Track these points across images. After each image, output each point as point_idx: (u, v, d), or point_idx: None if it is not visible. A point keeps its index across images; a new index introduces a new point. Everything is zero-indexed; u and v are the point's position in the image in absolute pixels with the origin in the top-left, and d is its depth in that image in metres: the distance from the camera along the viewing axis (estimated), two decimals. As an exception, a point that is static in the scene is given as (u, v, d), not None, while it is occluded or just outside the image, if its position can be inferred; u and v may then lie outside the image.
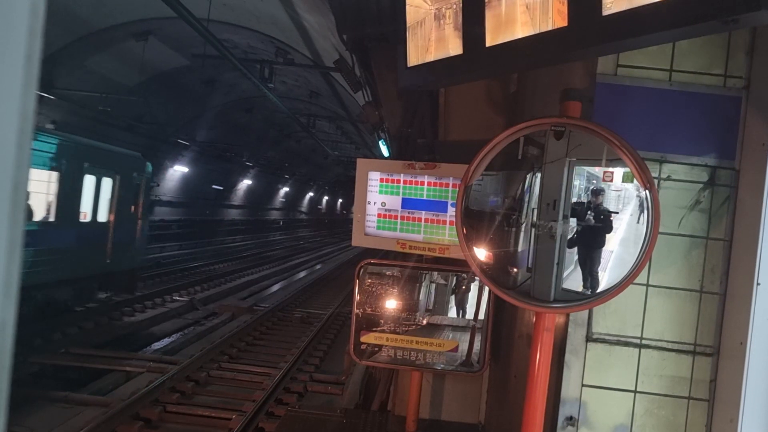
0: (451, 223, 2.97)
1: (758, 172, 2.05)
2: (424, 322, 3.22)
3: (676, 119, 2.25)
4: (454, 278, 3.26)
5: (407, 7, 2.41)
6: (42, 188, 10.75)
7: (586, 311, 2.29)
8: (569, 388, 2.31)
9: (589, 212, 1.99)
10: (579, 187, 2.01)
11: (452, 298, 3.28)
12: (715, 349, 2.26)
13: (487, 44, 1.94)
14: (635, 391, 2.30)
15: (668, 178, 2.25)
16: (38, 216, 10.78)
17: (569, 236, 1.99)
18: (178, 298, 14.64)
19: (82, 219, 12.00)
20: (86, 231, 12.22)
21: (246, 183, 33.72)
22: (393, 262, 3.38)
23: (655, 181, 2.20)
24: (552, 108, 2.13)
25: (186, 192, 26.29)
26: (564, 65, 2.42)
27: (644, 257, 1.82)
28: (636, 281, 1.91)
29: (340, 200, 65.35)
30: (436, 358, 3.17)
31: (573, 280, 2.04)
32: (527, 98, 3.12)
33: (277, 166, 34.54)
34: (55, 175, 10.86)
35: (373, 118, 5.37)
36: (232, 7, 13.14)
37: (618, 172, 1.97)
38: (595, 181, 2.02)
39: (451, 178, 2.97)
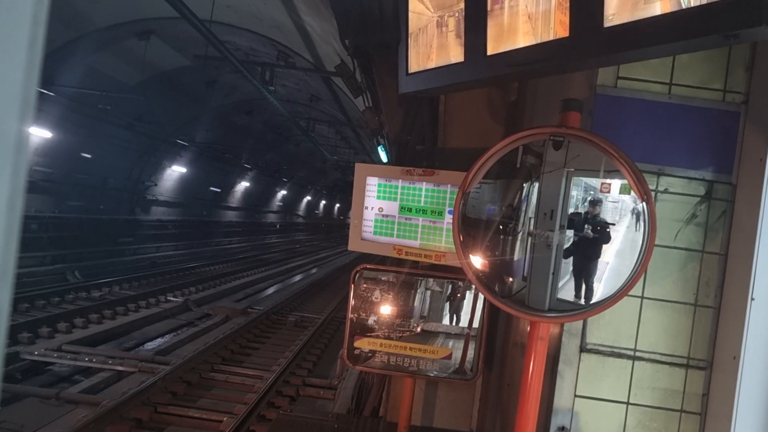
0: (448, 230, 2.97)
1: (755, 186, 2.06)
2: (419, 328, 3.22)
3: (675, 132, 2.26)
4: (450, 285, 3.25)
5: (410, 14, 2.42)
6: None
7: (581, 322, 2.29)
8: (562, 398, 2.31)
9: (586, 223, 1.99)
10: (576, 197, 2.01)
11: (447, 305, 3.28)
12: (708, 363, 2.26)
13: (488, 53, 1.95)
14: (628, 403, 2.30)
15: (665, 191, 2.26)
16: None
17: (566, 246, 1.99)
18: (172, 299, 14.57)
19: None
20: None
21: (244, 185, 33.67)
22: (389, 267, 3.38)
23: (653, 193, 2.21)
24: (551, 118, 2.14)
25: (183, 192, 26.24)
26: (564, 75, 2.43)
27: (640, 269, 1.82)
28: (631, 293, 1.91)
29: (338, 205, 65.30)
30: (429, 365, 3.16)
31: (568, 290, 2.04)
32: (527, 107, 3.13)
33: (275, 169, 34.52)
34: None
35: (373, 123, 5.36)
36: (235, 9, 13.17)
37: (615, 183, 1.97)
38: (592, 192, 2.02)
39: (449, 185, 2.97)
